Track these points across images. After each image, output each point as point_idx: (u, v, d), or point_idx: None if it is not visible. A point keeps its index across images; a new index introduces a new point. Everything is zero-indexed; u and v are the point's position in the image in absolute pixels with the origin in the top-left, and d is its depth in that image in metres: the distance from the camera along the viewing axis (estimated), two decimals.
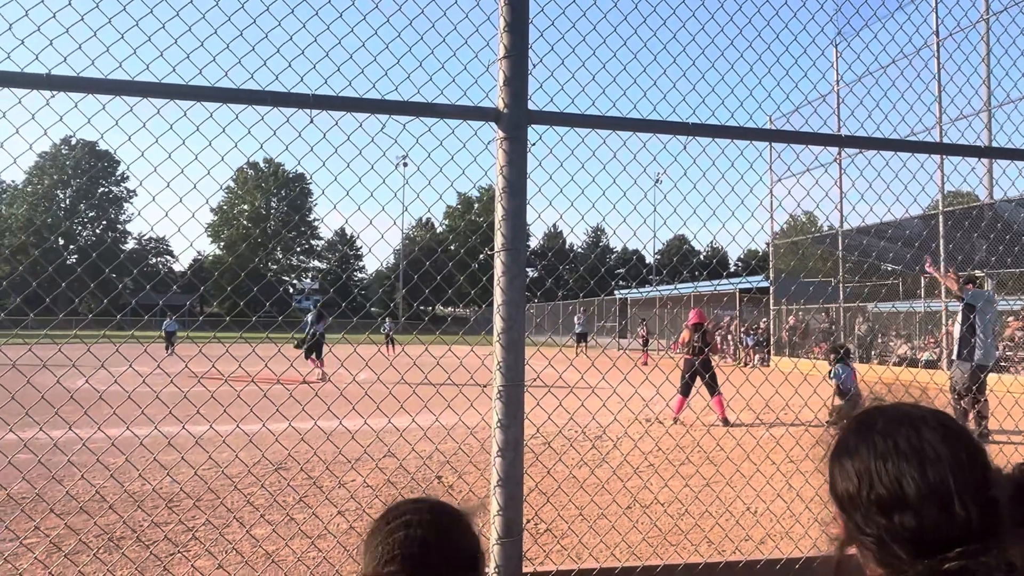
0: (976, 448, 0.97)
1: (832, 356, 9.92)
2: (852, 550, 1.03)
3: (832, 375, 9.56)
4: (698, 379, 10.18)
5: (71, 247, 65.78)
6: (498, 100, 2.79)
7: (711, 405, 10.39)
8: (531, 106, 2.82)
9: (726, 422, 10.11)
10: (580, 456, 7.09)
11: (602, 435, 8.62)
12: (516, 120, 2.76)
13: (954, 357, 9.00)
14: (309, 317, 16.79)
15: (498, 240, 2.72)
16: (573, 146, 3.19)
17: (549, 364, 3.48)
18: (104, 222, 69.32)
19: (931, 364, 17.49)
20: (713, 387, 10.18)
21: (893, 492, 0.94)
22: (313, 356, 15.93)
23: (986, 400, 8.68)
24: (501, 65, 2.78)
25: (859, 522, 0.98)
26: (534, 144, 2.92)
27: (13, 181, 65.86)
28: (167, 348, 22.87)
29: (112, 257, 51.19)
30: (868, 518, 0.96)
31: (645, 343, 27.49)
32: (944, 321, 16.29)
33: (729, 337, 28.53)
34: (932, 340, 19.44)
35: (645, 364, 21.69)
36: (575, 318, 31.61)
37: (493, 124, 2.79)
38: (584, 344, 28.51)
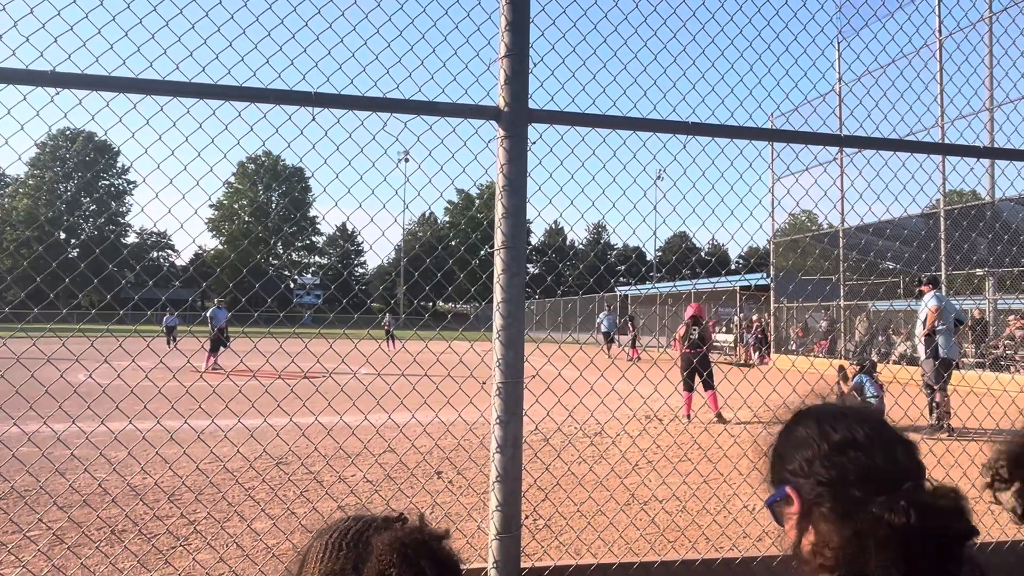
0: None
1: (858, 366, 9.80)
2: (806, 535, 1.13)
3: (856, 382, 9.43)
4: (696, 377, 10.07)
5: (73, 241, 65.79)
6: (499, 99, 2.81)
7: (707, 401, 10.36)
8: (532, 105, 2.84)
9: (720, 418, 10.12)
10: (578, 453, 7.12)
11: (600, 432, 8.65)
12: (516, 119, 2.78)
13: (921, 356, 9.62)
14: (211, 312, 17.23)
15: (498, 238, 2.75)
16: (573, 144, 3.21)
17: (548, 361, 3.51)
18: (104, 216, 69.30)
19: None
20: (709, 383, 10.09)
21: (847, 437, 1.12)
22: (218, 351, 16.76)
23: (947, 397, 8.85)
24: (502, 64, 2.80)
25: (817, 471, 1.12)
26: (534, 142, 2.94)
27: (18, 175, 65.96)
28: (168, 343, 22.91)
29: (114, 252, 51.17)
30: (827, 461, 1.11)
31: (633, 341, 27.38)
32: None
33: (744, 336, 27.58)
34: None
35: (635, 360, 21.39)
36: (599, 315, 28.44)
37: (494, 122, 2.81)
38: (610, 345, 26.68)
